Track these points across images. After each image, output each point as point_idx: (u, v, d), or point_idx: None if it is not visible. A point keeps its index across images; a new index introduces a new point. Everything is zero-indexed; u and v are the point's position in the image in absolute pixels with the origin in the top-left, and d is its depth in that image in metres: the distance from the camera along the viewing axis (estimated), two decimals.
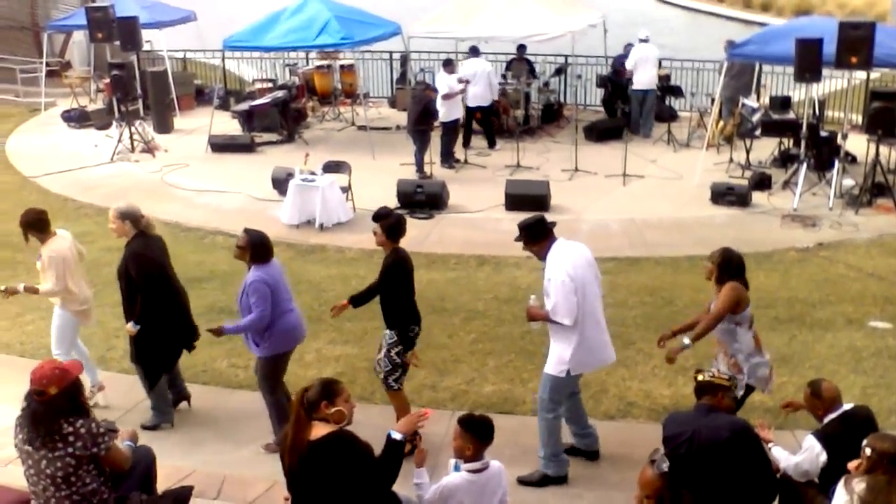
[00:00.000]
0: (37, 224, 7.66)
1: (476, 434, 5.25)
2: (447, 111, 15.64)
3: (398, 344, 7.17)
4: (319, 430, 4.87)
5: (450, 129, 15.95)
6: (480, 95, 16.51)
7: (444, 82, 15.64)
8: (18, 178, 15.97)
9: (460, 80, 15.78)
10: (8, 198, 14.52)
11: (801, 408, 6.28)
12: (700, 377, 5.73)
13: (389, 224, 7.09)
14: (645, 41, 17.45)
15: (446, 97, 15.48)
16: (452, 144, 16.05)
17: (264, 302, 6.94)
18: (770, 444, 5.96)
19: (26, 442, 5.14)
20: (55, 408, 5.11)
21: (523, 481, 6.96)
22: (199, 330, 7.93)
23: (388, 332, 7.24)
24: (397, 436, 5.02)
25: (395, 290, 7.13)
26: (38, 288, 7.75)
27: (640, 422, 7.98)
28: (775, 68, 17.16)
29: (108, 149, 16.85)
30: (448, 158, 15.95)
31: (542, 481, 6.95)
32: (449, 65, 15.98)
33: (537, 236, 6.74)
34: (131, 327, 7.50)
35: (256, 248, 7.07)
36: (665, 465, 4.84)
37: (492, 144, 17.06)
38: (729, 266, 6.74)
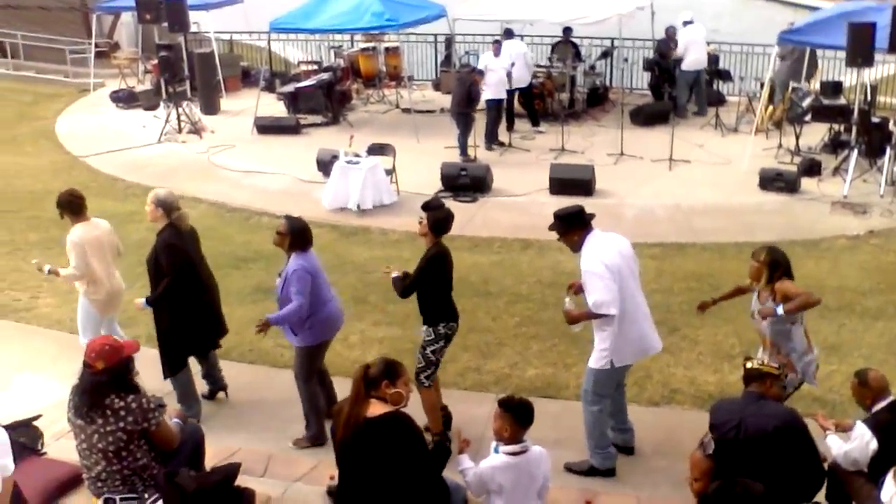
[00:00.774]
0: (67, 205, 7.71)
1: (515, 416, 5.23)
2: (492, 91, 15.61)
3: (435, 342, 7.07)
4: (377, 409, 4.92)
5: (492, 109, 15.89)
6: (519, 78, 16.43)
7: (496, 65, 15.63)
8: (68, 158, 16.21)
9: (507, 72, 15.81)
10: (58, 177, 14.75)
11: (847, 428, 6.10)
12: (749, 364, 5.66)
13: (437, 217, 6.96)
14: (690, 23, 17.31)
15: (490, 77, 15.48)
16: (496, 126, 16.01)
17: (305, 290, 6.88)
18: (827, 433, 5.89)
19: (77, 415, 5.23)
20: (100, 383, 5.19)
21: (570, 468, 6.95)
22: (225, 326, 7.92)
23: (424, 328, 7.11)
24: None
25: (432, 285, 7.00)
26: (60, 272, 7.79)
27: (684, 408, 7.94)
28: (826, 53, 16.86)
29: (156, 129, 17.03)
30: (491, 140, 15.91)
31: (588, 472, 6.92)
32: (497, 44, 15.98)
33: (571, 226, 6.58)
34: (140, 302, 7.49)
35: (297, 235, 7.02)
36: (711, 447, 4.82)
37: (535, 123, 17.02)
38: (777, 266, 6.58)
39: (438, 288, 7.03)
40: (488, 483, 5.25)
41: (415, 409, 5.80)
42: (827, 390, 7.72)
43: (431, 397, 7.24)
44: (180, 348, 7.57)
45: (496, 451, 5.34)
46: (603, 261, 6.39)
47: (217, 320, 7.87)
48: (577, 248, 6.61)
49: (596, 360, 6.66)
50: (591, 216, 6.65)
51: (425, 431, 6.63)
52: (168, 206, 7.40)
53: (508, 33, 16.88)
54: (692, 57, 17.23)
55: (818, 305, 6.58)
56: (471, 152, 15.17)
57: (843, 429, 6.14)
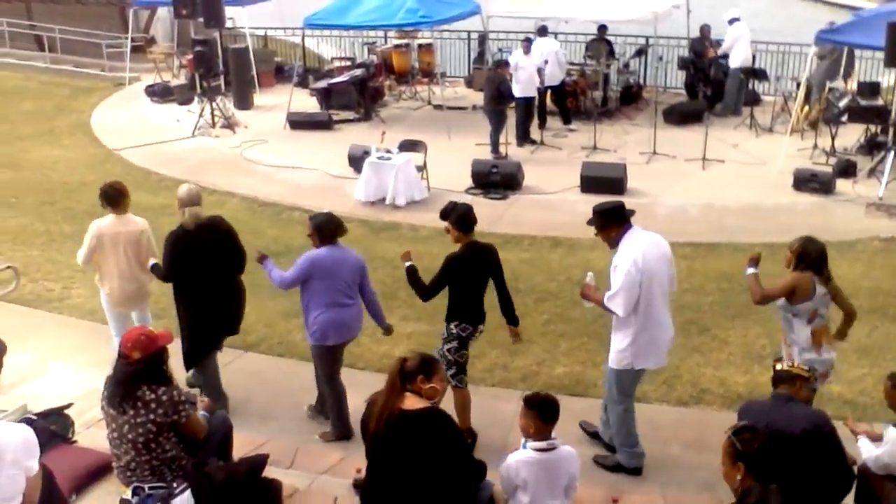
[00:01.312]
0: (104, 196, 7.76)
1: (539, 412, 5.22)
2: (522, 89, 15.58)
3: (448, 340, 7.04)
4: (413, 403, 4.94)
5: (521, 107, 15.86)
6: (551, 75, 16.40)
7: (526, 63, 15.60)
8: (103, 151, 16.38)
9: (539, 69, 15.81)
10: (93, 170, 14.92)
11: (875, 435, 6.02)
12: (779, 366, 5.62)
13: (457, 217, 6.95)
14: (737, 20, 17.21)
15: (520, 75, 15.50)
16: (527, 123, 15.98)
17: (297, 272, 7.01)
18: (859, 436, 5.81)
19: (109, 404, 5.28)
20: (136, 372, 5.23)
21: (597, 461, 6.96)
22: (235, 327, 7.82)
23: (448, 326, 7.07)
24: None
25: (455, 284, 6.95)
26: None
27: (713, 409, 7.88)
28: (865, 53, 16.66)
29: (190, 123, 17.18)
30: (524, 138, 15.89)
31: (615, 468, 6.91)
32: (528, 42, 15.94)
33: (610, 222, 6.53)
34: (151, 260, 7.59)
35: (322, 230, 7.04)
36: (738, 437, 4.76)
37: (567, 121, 16.98)
38: (805, 257, 6.54)
39: (458, 288, 6.96)
40: (513, 478, 5.25)
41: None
42: (858, 393, 7.64)
43: (462, 397, 7.15)
44: (194, 343, 7.52)
45: (524, 447, 5.34)
46: (637, 262, 6.33)
47: (221, 321, 7.66)
48: (614, 243, 6.56)
49: (617, 361, 6.65)
50: (631, 213, 6.60)
51: None
52: (180, 202, 7.41)
53: (542, 31, 16.85)
54: (741, 55, 17.07)
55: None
56: (502, 150, 15.15)
57: (873, 438, 6.07)
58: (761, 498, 4.53)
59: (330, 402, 7.35)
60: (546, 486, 5.25)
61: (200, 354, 7.57)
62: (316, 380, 7.52)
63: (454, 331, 7.01)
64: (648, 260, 6.39)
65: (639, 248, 6.41)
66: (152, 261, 7.62)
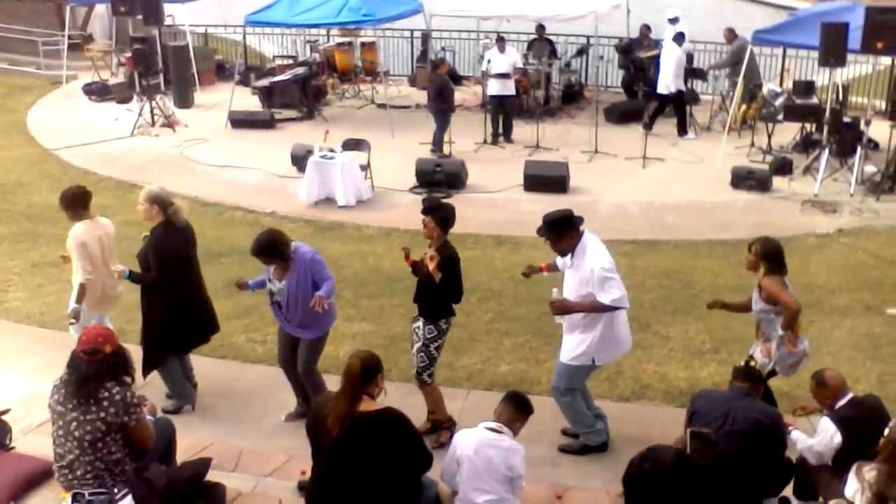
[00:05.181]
0: (79, 199, 7.57)
1: (515, 403, 5.67)
2: (502, 88, 15.74)
3: (438, 337, 7.09)
4: (368, 405, 4.99)
5: (495, 105, 15.97)
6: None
7: (501, 61, 15.69)
8: (40, 151, 16.05)
9: (517, 67, 16.01)
10: (30, 170, 14.64)
11: (814, 411, 6.29)
12: (753, 363, 6.13)
13: (443, 217, 6.96)
14: (676, 20, 17.44)
15: (502, 76, 15.64)
16: (496, 121, 16.06)
17: (325, 270, 7.13)
18: (791, 429, 5.98)
19: (60, 402, 5.20)
20: (109, 365, 5.20)
21: (565, 450, 7.17)
22: (216, 324, 7.91)
23: (426, 325, 7.05)
24: None
25: (452, 280, 6.95)
26: (78, 288, 7.55)
27: (655, 404, 8.00)
28: (800, 52, 17.01)
29: (129, 122, 16.91)
30: (505, 135, 16.09)
31: (583, 450, 7.15)
32: (502, 42, 16.01)
33: (570, 229, 6.62)
34: (122, 269, 7.31)
35: (273, 248, 6.98)
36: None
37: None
38: (776, 259, 6.73)
39: (453, 284, 6.97)
40: (455, 452, 5.52)
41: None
42: (794, 386, 7.79)
43: (435, 393, 7.33)
44: (164, 346, 7.51)
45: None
46: (610, 260, 6.58)
47: (205, 319, 7.81)
48: (567, 251, 6.68)
49: (574, 357, 6.77)
50: (581, 219, 6.72)
51: (434, 424, 7.28)
52: (163, 203, 7.34)
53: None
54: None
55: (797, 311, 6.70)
56: (446, 149, 15.17)
57: (809, 411, 6.39)
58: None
59: (313, 387, 7.33)
60: (484, 466, 5.43)
61: (164, 358, 7.56)
62: (295, 379, 7.50)
63: (444, 326, 7.11)
64: (610, 257, 6.65)
65: (603, 248, 6.64)
66: (122, 268, 7.36)
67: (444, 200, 13.06)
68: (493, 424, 5.53)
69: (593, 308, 6.60)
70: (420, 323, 7.13)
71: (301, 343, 7.29)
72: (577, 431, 7.17)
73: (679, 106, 16.37)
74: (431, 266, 6.71)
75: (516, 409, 5.66)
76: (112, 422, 5.17)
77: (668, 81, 16.04)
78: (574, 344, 6.77)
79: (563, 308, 6.70)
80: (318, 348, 7.41)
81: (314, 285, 7.00)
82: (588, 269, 6.52)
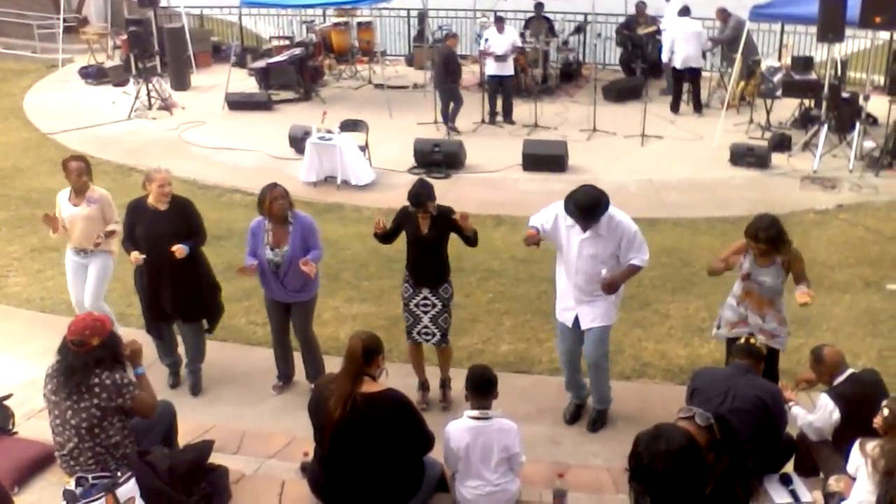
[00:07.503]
0: (85, 167, 8.12)
1: (469, 383, 5.56)
2: (501, 68, 15.61)
3: (451, 298, 7.38)
4: (369, 385, 5.02)
5: (493, 85, 15.88)
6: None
7: (499, 41, 15.55)
8: (37, 135, 16.00)
9: (515, 47, 15.87)
10: (27, 155, 14.60)
11: (815, 382, 6.31)
12: (753, 340, 5.95)
13: (430, 193, 7.26)
14: None
15: (501, 58, 15.50)
16: (494, 100, 15.99)
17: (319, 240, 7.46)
18: (791, 404, 6.00)
19: (54, 392, 5.21)
20: (95, 358, 5.17)
21: (597, 430, 7.24)
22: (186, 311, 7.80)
23: (440, 287, 7.24)
24: None
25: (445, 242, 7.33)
26: (115, 228, 7.94)
27: (655, 382, 8.02)
28: (798, 28, 16.94)
29: (126, 106, 16.85)
30: (502, 114, 15.97)
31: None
32: (500, 22, 15.87)
33: (602, 213, 6.63)
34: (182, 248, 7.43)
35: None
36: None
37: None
38: (784, 233, 6.74)
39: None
40: (450, 444, 5.49)
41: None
42: (795, 363, 7.81)
43: (450, 350, 7.64)
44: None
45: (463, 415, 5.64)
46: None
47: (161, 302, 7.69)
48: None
49: (612, 318, 6.95)
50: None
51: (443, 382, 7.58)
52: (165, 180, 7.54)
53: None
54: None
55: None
56: (441, 129, 15.11)
57: (811, 383, 6.37)
58: None
59: (313, 350, 7.63)
60: (480, 455, 5.44)
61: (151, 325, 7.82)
62: (286, 345, 7.75)
63: (450, 289, 7.37)
64: None
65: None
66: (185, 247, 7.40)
67: (438, 179, 13.10)
68: (475, 412, 5.50)
69: (633, 274, 6.84)
70: (426, 292, 7.21)
71: (296, 309, 7.48)
72: (603, 407, 7.26)
73: (696, 84, 16.29)
74: (467, 221, 7.10)
75: (479, 392, 5.52)
76: (107, 406, 5.16)
77: (686, 55, 15.90)
78: (608, 306, 6.87)
79: (615, 285, 6.75)
80: (313, 309, 7.67)
81: (306, 251, 7.24)
82: (630, 231, 6.71)
